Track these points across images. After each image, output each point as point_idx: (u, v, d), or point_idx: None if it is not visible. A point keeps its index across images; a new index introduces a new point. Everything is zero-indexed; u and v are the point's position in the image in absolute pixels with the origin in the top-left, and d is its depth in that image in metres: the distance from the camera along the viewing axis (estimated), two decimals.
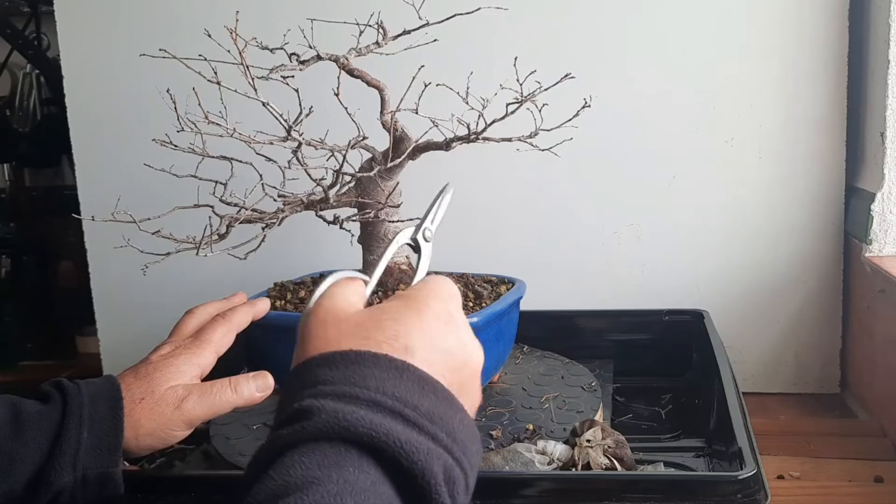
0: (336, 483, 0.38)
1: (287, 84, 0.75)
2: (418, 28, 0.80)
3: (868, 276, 1.09)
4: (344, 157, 0.81)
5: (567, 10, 1.16)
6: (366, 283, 0.55)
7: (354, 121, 0.78)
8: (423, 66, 0.78)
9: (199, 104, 0.74)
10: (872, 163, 1.10)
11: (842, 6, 1.11)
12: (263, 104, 0.73)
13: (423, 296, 0.50)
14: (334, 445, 0.40)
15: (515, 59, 0.80)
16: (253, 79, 0.73)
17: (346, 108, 0.76)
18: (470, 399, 0.49)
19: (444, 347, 0.48)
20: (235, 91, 0.73)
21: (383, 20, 0.82)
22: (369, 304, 0.52)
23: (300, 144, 0.77)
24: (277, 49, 0.77)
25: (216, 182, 0.82)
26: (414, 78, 0.77)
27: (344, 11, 0.81)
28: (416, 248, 0.61)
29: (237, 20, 0.73)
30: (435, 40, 0.81)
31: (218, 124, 0.75)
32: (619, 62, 1.15)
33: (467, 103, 0.80)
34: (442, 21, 0.80)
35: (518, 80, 0.80)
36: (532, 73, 0.80)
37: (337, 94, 0.76)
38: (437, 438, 0.42)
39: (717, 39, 1.14)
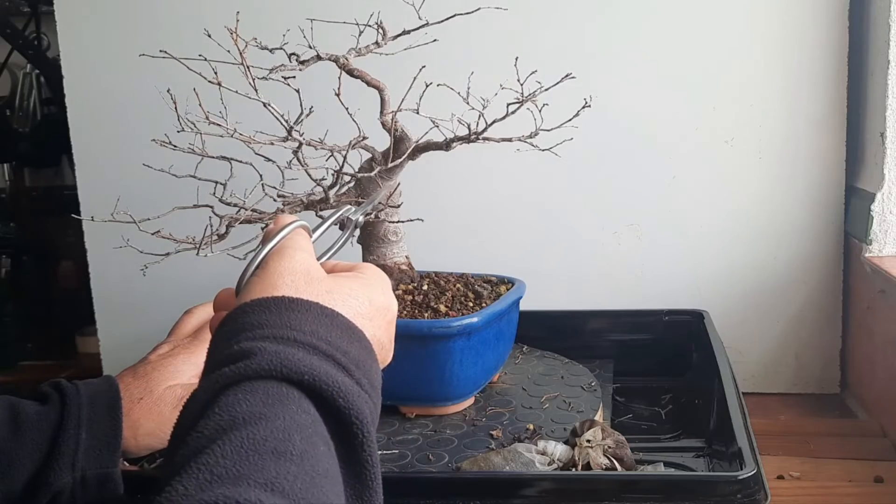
0: (282, 419, 0.39)
1: (288, 84, 0.75)
2: (418, 28, 0.80)
3: (868, 276, 1.09)
4: (344, 157, 0.81)
5: (567, 11, 1.16)
6: (310, 235, 0.57)
7: (355, 121, 0.78)
8: (424, 66, 0.78)
9: (200, 104, 0.74)
10: (872, 163, 1.10)
11: (842, 7, 1.11)
12: (264, 104, 0.73)
13: (380, 287, 0.54)
14: (277, 385, 0.41)
15: (516, 59, 0.80)
16: (254, 79, 0.73)
17: (346, 109, 0.76)
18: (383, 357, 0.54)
19: (380, 340, 0.52)
20: (237, 92, 0.73)
21: (383, 20, 0.81)
22: None
23: (301, 145, 0.77)
24: (276, 49, 0.77)
25: (216, 182, 0.82)
26: (415, 78, 0.77)
27: (343, 12, 0.81)
28: (342, 226, 0.65)
29: (237, 20, 0.73)
30: (435, 40, 0.81)
31: (218, 124, 0.75)
32: (618, 62, 1.15)
33: (468, 103, 0.80)
34: (442, 21, 0.80)
35: (519, 81, 0.80)
36: (533, 72, 0.80)
37: (338, 95, 0.76)
38: (361, 384, 0.44)
39: (718, 40, 1.14)
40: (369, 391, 0.45)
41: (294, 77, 0.75)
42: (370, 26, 0.81)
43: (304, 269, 0.50)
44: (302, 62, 0.77)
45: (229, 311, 0.48)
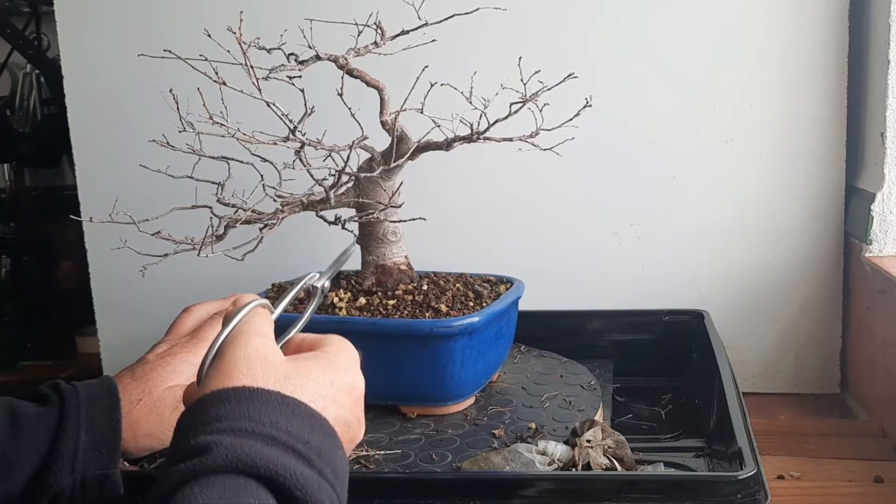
0: None
1: (293, 84, 0.75)
2: (416, 28, 0.80)
3: (868, 276, 1.09)
4: (347, 157, 0.81)
5: (567, 11, 1.16)
6: (271, 312, 0.56)
7: (357, 121, 0.78)
8: (426, 66, 0.78)
9: (204, 105, 0.74)
10: (872, 163, 1.10)
11: (842, 6, 1.11)
12: (268, 104, 0.73)
13: (342, 365, 0.53)
14: (234, 478, 0.41)
15: (520, 58, 0.80)
16: (257, 79, 0.73)
17: (349, 109, 0.76)
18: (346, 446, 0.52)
19: (346, 420, 0.51)
20: (242, 91, 0.72)
21: (382, 20, 0.81)
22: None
23: (303, 145, 0.77)
24: (275, 49, 0.77)
25: (212, 182, 0.82)
26: (417, 78, 0.77)
27: (343, 12, 0.81)
28: (310, 294, 0.65)
29: (241, 20, 0.73)
30: (433, 40, 0.81)
31: (222, 124, 0.75)
32: (618, 62, 1.15)
33: (471, 102, 0.80)
34: (440, 21, 0.80)
35: (522, 80, 0.80)
36: (537, 72, 0.80)
37: (340, 95, 0.76)
38: (323, 473, 0.44)
39: (718, 39, 1.14)
40: (331, 480, 0.45)
41: (300, 76, 0.75)
42: (368, 26, 0.81)
43: (261, 355, 0.49)
44: (301, 62, 0.77)
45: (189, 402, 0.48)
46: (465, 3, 0.83)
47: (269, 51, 0.76)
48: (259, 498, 0.41)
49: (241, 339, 0.50)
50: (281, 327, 0.56)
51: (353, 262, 0.91)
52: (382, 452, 0.75)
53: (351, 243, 0.82)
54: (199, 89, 0.74)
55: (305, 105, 0.75)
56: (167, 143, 0.80)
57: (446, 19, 0.80)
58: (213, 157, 0.81)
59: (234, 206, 0.82)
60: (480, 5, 0.85)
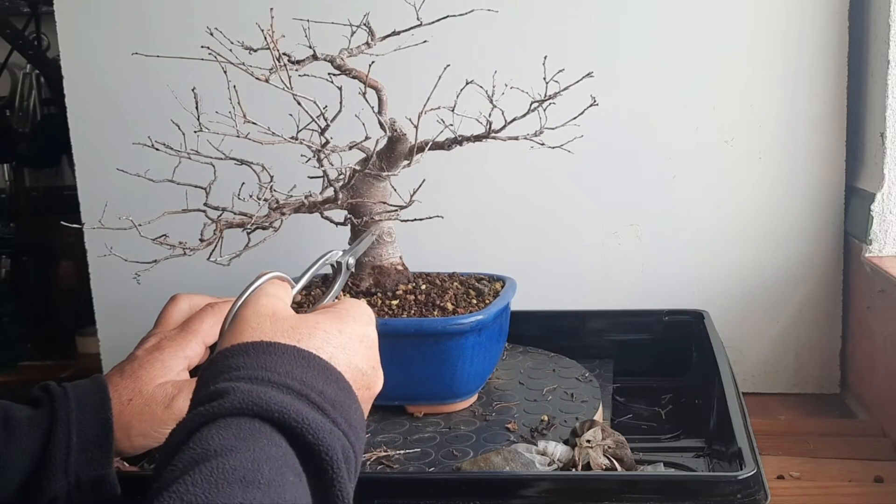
0: (252, 451, 0.41)
1: (331, 82, 0.74)
2: (408, 29, 0.80)
3: (868, 276, 1.09)
4: (368, 157, 0.81)
5: (567, 12, 1.16)
6: (292, 286, 0.60)
7: (363, 122, 0.78)
8: (448, 65, 0.78)
9: (239, 102, 0.73)
10: (872, 163, 1.10)
11: (842, 6, 1.11)
12: (298, 102, 0.73)
13: (351, 316, 0.55)
14: (248, 421, 0.43)
15: (545, 58, 0.80)
16: (290, 76, 0.73)
17: (372, 108, 0.76)
18: (366, 395, 0.54)
19: (359, 367, 0.53)
20: (271, 84, 0.72)
21: (381, 21, 0.81)
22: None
23: (326, 144, 0.77)
24: (262, 49, 0.77)
25: (204, 188, 0.82)
26: (440, 77, 0.77)
27: (342, 12, 0.81)
28: (336, 270, 0.68)
29: (272, 17, 0.73)
30: (424, 41, 0.81)
31: (254, 122, 0.74)
32: (619, 62, 1.15)
33: (492, 102, 0.80)
34: (433, 22, 0.80)
35: (545, 79, 0.80)
36: (561, 71, 0.79)
37: (363, 94, 0.76)
38: (336, 422, 0.46)
39: (718, 39, 1.14)
40: (345, 429, 0.47)
41: (338, 74, 0.75)
42: (361, 27, 0.81)
43: (269, 311, 0.53)
44: (297, 62, 0.77)
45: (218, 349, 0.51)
46: (465, 3, 0.84)
47: (279, 53, 0.76)
48: (272, 440, 0.43)
49: (252, 299, 0.54)
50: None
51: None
52: (402, 452, 0.75)
53: (376, 228, 0.84)
54: (234, 86, 0.72)
55: (341, 104, 0.74)
56: (153, 144, 0.80)
57: (439, 20, 0.80)
58: (218, 158, 0.81)
59: (222, 208, 0.81)
60: (475, 7, 0.85)
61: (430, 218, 0.80)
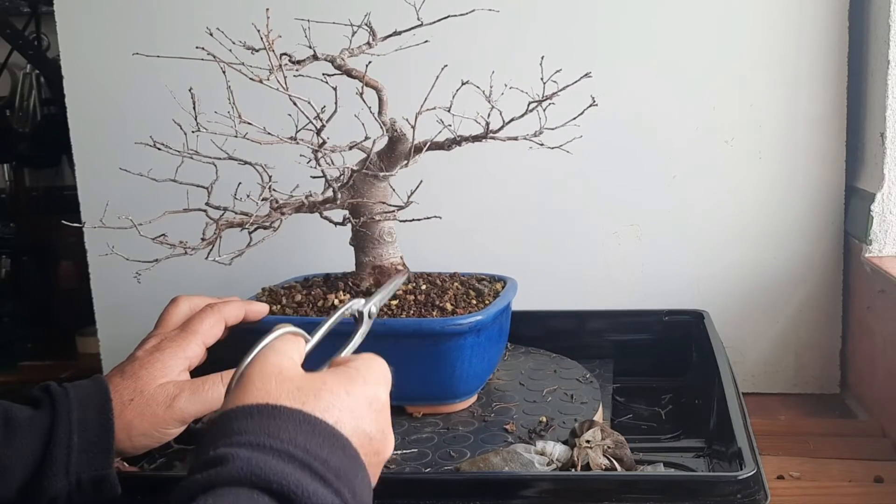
0: None
1: (326, 82, 0.74)
2: (409, 29, 0.80)
3: (868, 276, 1.09)
4: (368, 156, 0.81)
5: (567, 12, 1.15)
6: (307, 341, 0.57)
7: (363, 122, 0.78)
8: (446, 65, 0.78)
9: (235, 102, 0.73)
10: (872, 163, 1.10)
11: (842, 6, 1.11)
12: (294, 102, 0.73)
13: (361, 377, 0.52)
14: (247, 491, 0.42)
15: (542, 58, 0.80)
16: (285, 77, 0.73)
17: (370, 108, 0.76)
18: (373, 469, 0.52)
19: (367, 431, 0.50)
20: (268, 85, 0.72)
21: (381, 21, 0.81)
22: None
23: (323, 144, 0.77)
24: (261, 50, 0.77)
25: (206, 187, 0.82)
26: (437, 77, 0.77)
27: (341, 12, 0.81)
28: (358, 319, 0.63)
29: (268, 17, 0.73)
30: (426, 41, 0.81)
31: (250, 123, 0.74)
32: (618, 62, 1.15)
33: (489, 101, 0.80)
34: (434, 22, 0.80)
35: (542, 80, 0.80)
36: (558, 71, 0.79)
37: (361, 94, 0.75)
38: (339, 493, 0.44)
39: (718, 39, 1.14)
40: (348, 499, 0.45)
41: (336, 74, 0.75)
42: (363, 27, 0.81)
43: (276, 370, 0.51)
44: (298, 62, 0.77)
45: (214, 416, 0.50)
46: (466, 3, 0.84)
47: (279, 54, 0.76)
48: None
49: (260, 357, 0.52)
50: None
51: (343, 264, 0.92)
52: (400, 452, 0.75)
53: (404, 273, 0.82)
54: (229, 88, 0.72)
55: (336, 104, 0.74)
56: (154, 144, 0.80)
57: (440, 20, 0.80)
58: (217, 158, 0.81)
59: (224, 208, 0.81)
60: (476, 7, 0.85)
61: (428, 218, 0.80)
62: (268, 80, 0.73)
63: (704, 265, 1.19)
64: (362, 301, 0.63)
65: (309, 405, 0.48)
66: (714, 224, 1.18)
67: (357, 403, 0.51)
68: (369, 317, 0.63)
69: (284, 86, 0.72)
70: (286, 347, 0.54)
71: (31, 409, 0.62)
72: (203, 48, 0.73)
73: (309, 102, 0.73)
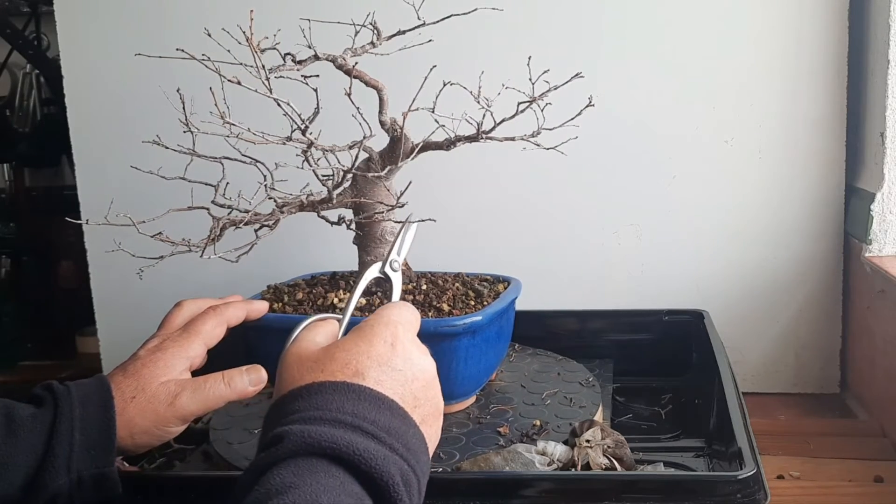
0: (310, 486, 0.45)
1: (307, 84, 0.74)
2: (413, 28, 0.80)
3: (868, 276, 1.09)
4: (356, 157, 0.81)
5: (567, 11, 1.15)
6: (339, 320, 0.63)
7: (366, 121, 0.78)
8: (434, 66, 0.78)
9: (216, 104, 0.73)
10: (872, 163, 1.10)
11: (842, 6, 1.11)
12: (278, 104, 0.73)
13: (371, 324, 0.58)
14: (305, 459, 0.47)
15: (529, 58, 0.80)
16: (268, 78, 0.72)
17: (358, 109, 0.76)
18: (428, 407, 0.57)
19: (392, 366, 0.55)
20: (255, 91, 0.72)
21: (380, 20, 0.81)
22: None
23: (311, 144, 0.77)
24: (271, 49, 0.77)
25: (215, 185, 0.82)
26: (426, 78, 0.77)
27: (340, 12, 0.81)
28: (385, 279, 0.69)
29: (251, 19, 0.73)
30: (430, 40, 0.81)
31: (233, 124, 0.74)
32: (618, 62, 1.15)
33: (479, 102, 0.80)
34: (437, 21, 0.80)
35: (531, 80, 0.80)
36: (545, 71, 0.80)
37: (349, 95, 0.75)
38: (393, 448, 0.49)
39: (718, 39, 1.14)
40: (402, 453, 0.50)
41: (318, 76, 0.75)
42: (366, 27, 0.81)
43: (295, 358, 0.57)
44: (299, 62, 0.77)
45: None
46: (463, 3, 0.83)
47: (276, 50, 0.76)
48: (329, 472, 0.46)
49: (284, 354, 0.58)
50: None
51: (350, 263, 0.91)
52: None
53: (407, 223, 0.79)
54: (210, 88, 0.73)
55: (318, 104, 0.74)
56: (160, 143, 0.80)
57: (443, 20, 0.80)
58: (214, 158, 0.81)
59: (229, 206, 0.81)
60: (478, 6, 0.85)
61: (423, 221, 0.80)
62: (240, 82, 0.73)
63: (704, 265, 1.19)
64: (377, 266, 0.68)
65: (328, 369, 0.54)
66: (714, 224, 1.18)
67: (373, 347, 0.55)
68: (394, 270, 0.68)
69: (268, 87, 0.72)
70: (306, 335, 0.60)
71: (34, 406, 0.63)
72: (183, 49, 0.73)
73: (289, 104, 0.73)
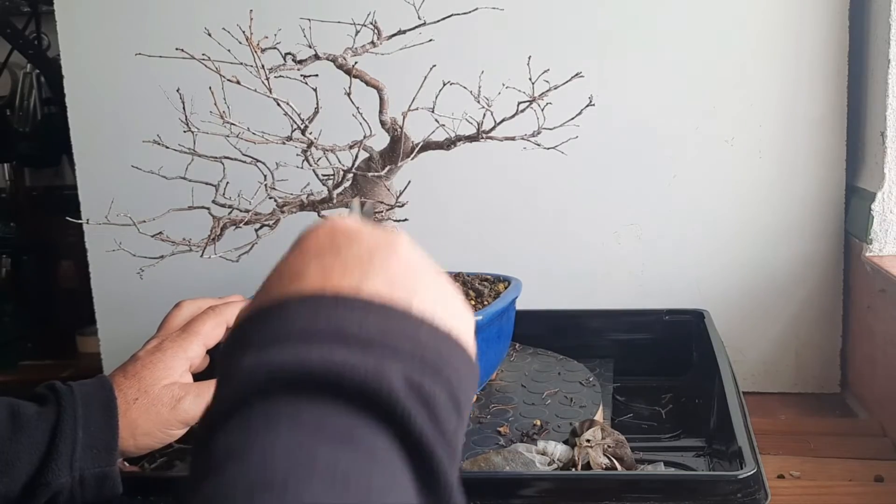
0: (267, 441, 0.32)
1: (306, 83, 0.75)
2: (414, 28, 0.80)
3: (868, 275, 1.09)
4: (356, 156, 0.81)
5: (568, 10, 1.15)
6: None
7: (366, 120, 0.78)
8: (434, 65, 0.78)
9: (215, 103, 0.73)
10: (873, 162, 1.10)
11: (842, 5, 1.11)
12: (278, 103, 0.73)
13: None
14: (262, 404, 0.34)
15: (529, 58, 0.80)
16: (267, 78, 0.72)
17: (358, 109, 0.76)
18: (429, 286, 0.41)
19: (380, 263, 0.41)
20: (255, 91, 0.72)
21: (380, 20, 0.81)
22: None
23: (311, 144, 0.77)
24: (272, 48, 0.77)
25: (216, 185, 0.82)
26: (425, 78, 0.77)
27: (340, 11, 0.81)
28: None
29: (251, 19, 0.73)
30: (430, 40, 0.81)
31: (234, 124, 0.74)
32: (619, 62, 1.15)
33: (478, 101, 0.80)
34: (438, 21, 0.80)
35: (531, 79, 0.80)
36: (546, 71, 0.79)
37: (349, 94, 0.75)
38: (385, 352, 0.35)
39: (718, 39, 1.14)
40: (403, 354, 0.35)
41: (318, 75, 0.75)
42: (366, 26, 0.81)
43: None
44: (300, 62, 0.77)
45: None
46: (464, 2, 0.83)
47: (277, 49, 0.76)
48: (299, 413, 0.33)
49: None
50: None
51: None
52: None
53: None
54: (210, 89, 0.73)
55: (317, 104, 0.74)
56: (160, 142, 0.80)
57: (444, 19, 0.80)
58: (214, 158, 0.81)
59: (229, 206, 0.81)
60: (479, 5, 0.85)
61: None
62: (239, 81, 0.73)
63: (705, 264, 1.19)
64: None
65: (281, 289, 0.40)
66: (714, 223, 1.18)
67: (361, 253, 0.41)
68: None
69: (268, 87, 0.72)
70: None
71: (37, 405, 0.63)
72: (183, 49, 0.73)
73: (288, 103, 0.73)
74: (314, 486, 0.29)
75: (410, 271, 0.41)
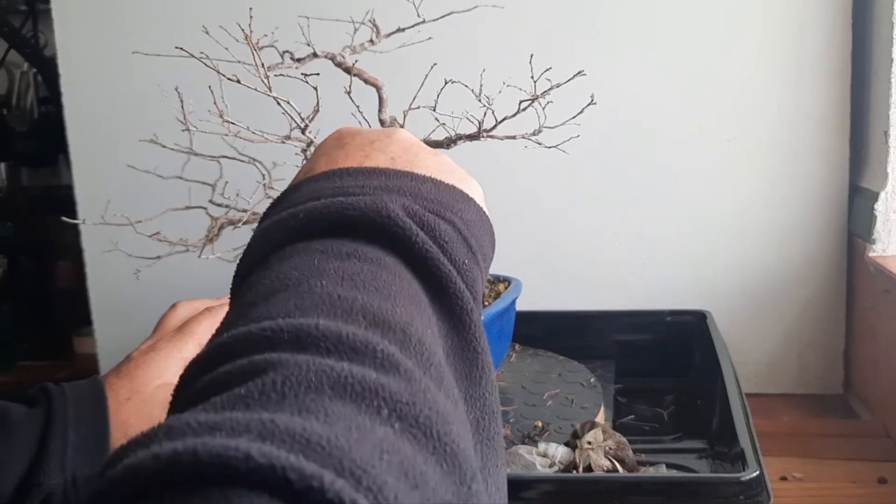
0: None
1: (307, 82, 0.74)
2: (412, 26, 0.79)
3: (872, 275, 1.08)
4: None
5: (567, 10, 1.15)
6: None
7: (366, 119, 0.77)
8: (435, 64, 0.77)
9: (220, 100, 0.73)
10: (876, 162, 1.09)
11: (845, 4, 1.10)
12: (278, 102, 0.72)
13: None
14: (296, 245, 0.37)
15: (531, 56, 0.79)
16: (267, 76, 0.72)
17: (358, 107, 0.75)
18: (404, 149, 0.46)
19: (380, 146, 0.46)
20: (256, 89, 0.72)
21: (379, 18, 0.81)
22: None
23: (310, 143, 0.76)
24: (270, 47, 0.76)
25: (212, 185, 0.81)
26: (426, 76, 0.77)
27: (340, 10, 0.81)
28: None
29: (251, 17, 0.72)
30: (430, 38, 0.80)
31: (232, 122, 0.74)
32: (621, 60, 1.15)
33: (479, 100, 0.79)
34: (437, 19, 0.79)
35: (532, 78, 0.79)
36: (547, 69, 0.79)
37: (349, 93, 0.75)
38: (384, 192, 0.39)
39: (720, 38, 1.14)
40: (400, 191, 0.39)
41: (318, 74, 0.74)
42: (365, 24, 0.81)
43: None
44: (298, 60, 0.76)
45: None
46: (464, 1, 0.83)
47: (281, 52, 0.75)
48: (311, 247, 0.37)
49: None
50: None
51: None
52: None
53: None
54: (209, 87, 0.72)
55: (317, 102, 0.74)
56: (157, 142, 0.79)
57: (443, 17, 0.80)
58: (212, 157, 0.81)
59: (227, 206, 0.81)
60: (479, 3, 0.84)
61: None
62: (239, 80, 0.72)
63: (706, 265, 1.18)
64: None
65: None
66: (716, 223, 1.17)
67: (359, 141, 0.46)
68: None
69: (267, 85, 0.72)
70: None
71: (28, 407, 0.62)
72: (181, 47, 0.72)
73: (288, 102, 0.72)
74: (326, 281, 0.32)
75: (411, 149, 0.46)
